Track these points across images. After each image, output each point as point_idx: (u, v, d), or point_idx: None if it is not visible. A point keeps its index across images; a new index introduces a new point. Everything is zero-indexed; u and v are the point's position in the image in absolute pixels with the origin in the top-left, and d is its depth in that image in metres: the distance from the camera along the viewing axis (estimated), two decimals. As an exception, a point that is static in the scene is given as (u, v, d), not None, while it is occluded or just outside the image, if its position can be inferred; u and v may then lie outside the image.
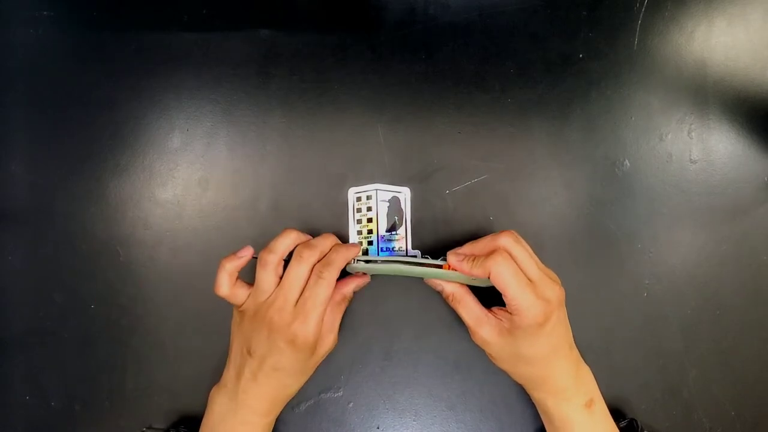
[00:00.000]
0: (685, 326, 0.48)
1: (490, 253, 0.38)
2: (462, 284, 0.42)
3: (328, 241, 0.41)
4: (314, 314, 0.38)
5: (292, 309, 0.38)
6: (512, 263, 0.37)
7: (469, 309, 0.41)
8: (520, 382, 0.42)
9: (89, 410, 0.46)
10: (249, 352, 0.39)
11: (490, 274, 0.37)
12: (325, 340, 0.41)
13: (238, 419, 0.39)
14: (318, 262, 0.39)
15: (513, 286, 0.37)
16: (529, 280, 0.38)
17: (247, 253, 0.40)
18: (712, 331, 0.48)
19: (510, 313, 0.38)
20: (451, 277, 0.41)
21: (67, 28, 0.48)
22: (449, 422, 0.47)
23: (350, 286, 0.43)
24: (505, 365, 0.41)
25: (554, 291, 0.38)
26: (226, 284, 0.40)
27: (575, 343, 0.42)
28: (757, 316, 0.48)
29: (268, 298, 0.39)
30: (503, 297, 0.38)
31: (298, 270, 0.39)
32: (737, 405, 0.47)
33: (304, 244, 0.40)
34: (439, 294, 0.43)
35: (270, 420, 0.41)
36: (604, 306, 0.48)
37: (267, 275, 0.39)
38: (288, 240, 0.40)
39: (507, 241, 0.39)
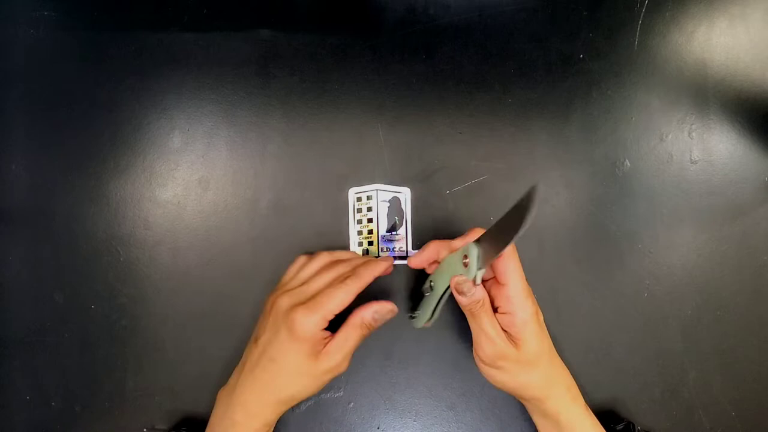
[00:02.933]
0: (685, 326, 0.48)
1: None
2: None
3: (362, 259, 0.42)
4: (321, 309, 0.37)
5: (302, 297, 0.39)
6: (516, 254, 0.38)
7: (493, 319, 0.39)
8: (532, 396, 0.40)
9: (89, 410, 0.46)
10: (255, 340, 0.40)
11: (500, 257, 0.37)
12: (331, 356, 0.38)
13: (229, 419, 0.39)
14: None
15: (517, 274, 0.38)
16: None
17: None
18: (713, 332, 0.48)
19: (512, 313, 0.38)
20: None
21: (67, 29, 0.48)
22: (450, 422, 0.47)
23: (369, 309, 0.39)
24: (519, 381, 0.40)
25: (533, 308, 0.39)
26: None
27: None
28: (757, 316, 0.48)
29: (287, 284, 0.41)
30: (503, 289, 0.38)
31: (326, 275, 0.40)
32: (737, 405, 0.47)
33: (339, 260, 0.42)
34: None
35: (260, 425, 0.39)
36: (604, 306, 0.48)
37: (298, 269, 0.42)
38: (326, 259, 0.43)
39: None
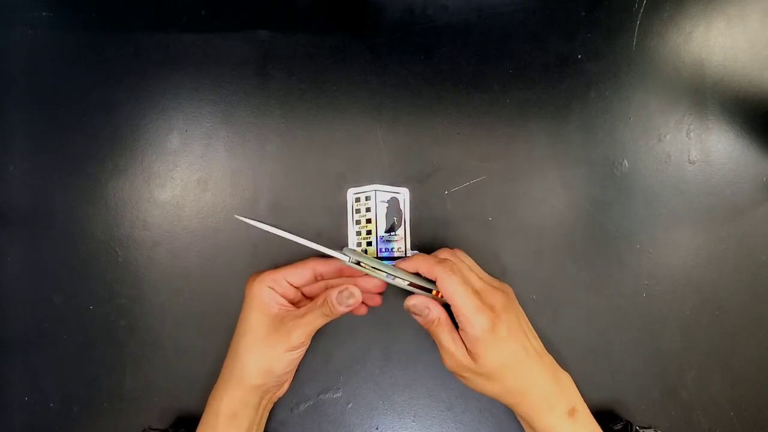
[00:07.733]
0: (683, 327, 0.48)
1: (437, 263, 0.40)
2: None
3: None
4: (273, 272, 0.41)
5: (274, 271, 0.42)
6: (458, 272, 0.39)
7: (452, 333, 0.40)
8: (504, 402, 0.41)
9: (88, 411, 0.46)
10: None
11: (436, 280, 0.39)
12: (292, 333, 0.39)
13: (206, 406, 0.42)
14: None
15: (459, 294, 0.38)
16: (475, 290, 0.39)
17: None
18: (711, 332, 0.48)
19: (464, 330, 0.39)
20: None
21: (66, 29, 0.48)
22: (448, 423, 0.47)
23: (335, 290, 0.39)
24: (485, 390, 0.40)
25: (496, 297, 0.39)
26: None
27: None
28: (756, 316, 0.48)
29: None
30: (451, 307, 0.39)
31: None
32: (736, 405, 0.47)
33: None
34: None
35: (221, 408, 0.40)
36: (602, 306, 0.48)
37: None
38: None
39: (447, 257, 0.41)
